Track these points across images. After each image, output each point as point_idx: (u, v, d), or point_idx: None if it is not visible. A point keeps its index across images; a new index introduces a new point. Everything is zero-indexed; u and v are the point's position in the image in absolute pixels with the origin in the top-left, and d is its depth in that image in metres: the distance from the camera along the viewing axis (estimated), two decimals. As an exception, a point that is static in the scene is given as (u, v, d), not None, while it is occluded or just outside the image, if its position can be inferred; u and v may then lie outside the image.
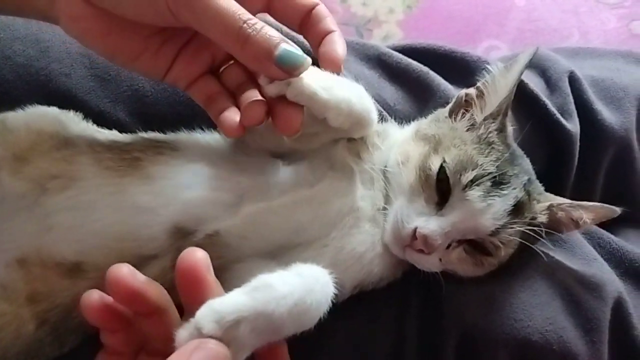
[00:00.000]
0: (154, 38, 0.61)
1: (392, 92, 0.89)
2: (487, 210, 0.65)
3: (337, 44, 0.64)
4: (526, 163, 0.74)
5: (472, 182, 0.65)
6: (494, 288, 0.73)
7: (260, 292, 0.49)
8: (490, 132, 0.71)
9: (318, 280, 0.55)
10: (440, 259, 0.68)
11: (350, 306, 0.66)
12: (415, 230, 0.66)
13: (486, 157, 0.68)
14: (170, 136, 0.71)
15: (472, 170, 0.66)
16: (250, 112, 0.60)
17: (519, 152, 0.74)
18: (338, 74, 0.64)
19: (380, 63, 0.92)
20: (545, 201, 0.73)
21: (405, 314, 0.73)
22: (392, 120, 0.83)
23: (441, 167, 0.68)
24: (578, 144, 0.90)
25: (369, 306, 0.72)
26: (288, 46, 0.56)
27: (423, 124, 0.77)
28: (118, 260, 0.52)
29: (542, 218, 0.72)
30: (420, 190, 0.68)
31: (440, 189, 0.67)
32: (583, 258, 0.80)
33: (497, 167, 0.67)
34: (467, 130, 0.72)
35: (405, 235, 0.67)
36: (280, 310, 0.48)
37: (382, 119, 0.82)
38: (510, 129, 0.75)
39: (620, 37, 1.56)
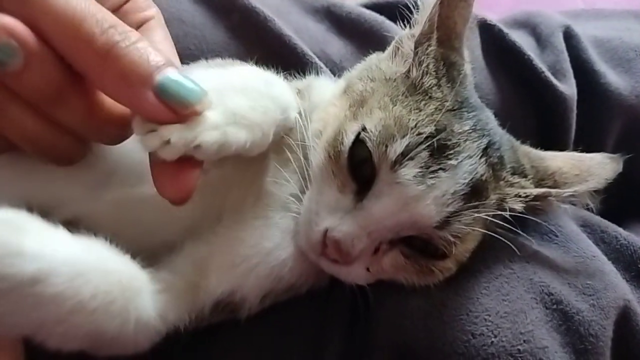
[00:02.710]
0: None
1: (339, 47, 0.75)
2: (428, 193, 0.48)
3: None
4: (487, 117, 0.56)
5: (404, 156, 0.48)
6: (445, 291, 0.53)
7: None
8: (425, 71, 0.52)
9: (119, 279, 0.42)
10: (368, 269, 0.51)
11: (257, 319, 0.52)
12: (325, 233, 0.49)
13: (420, 111, 0.50)
14: None
15: (402, 137, 0.48)
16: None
17: (475, 101, 0.55)
18: None
19: (329, 15, 0.78)
20: (522, 175, 0.55)
21: (326, 329, 0.54)
22: (331, 77, 0.66)
23: (357, 139, 0.50)
24: (575, 111, 0.71)
25: (280, 319, 0.55)
26: (176, 74, 0.40)
27: (355, 76, 0.59)
28: None
29: (515, 204, 0.53)
30: (331, 175, 0.51)
31: (359, 171, 0.50)
32: (579, 255, 0.60)
33: (435, 124, 0.49)
34: (402, 81, 0.54)
35: (314, 241, 0.50)
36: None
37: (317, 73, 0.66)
38: (464, 66, 0.55)
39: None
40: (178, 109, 0.40)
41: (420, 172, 0.47)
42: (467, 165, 0.49)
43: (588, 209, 0.61)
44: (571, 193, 0.54)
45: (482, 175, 0.50)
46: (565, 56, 0.73)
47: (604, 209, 0.71)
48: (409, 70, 0.53)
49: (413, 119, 0.49)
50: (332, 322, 0.55)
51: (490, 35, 0.72)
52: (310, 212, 0.51)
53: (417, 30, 0.54)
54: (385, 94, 0.52)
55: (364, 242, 0.49)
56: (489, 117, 0.56)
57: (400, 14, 0.67)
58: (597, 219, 0.68)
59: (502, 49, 0.72)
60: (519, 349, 0.50)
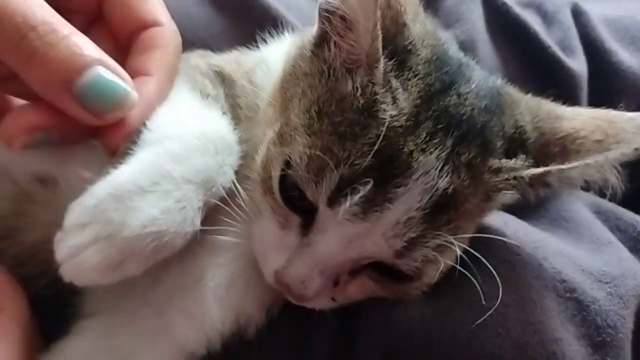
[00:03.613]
0: None
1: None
2: (374, 229, 0.42)
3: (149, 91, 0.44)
4: (461, 90, 0.45)
5: (339, 192, 0.41)
6: (442, 279, 0.47)
7: None
8: (365, 91, 0.42)
9: None
10: (334, 298, 0.46)
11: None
12: (275, 273, 0.45)
13: (357, 139, 0.41)
14: None
15: (332, 171, 0.41)
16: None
17: (448, 69, 0.46)
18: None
19: None
20: (519, 146, 0.46)
21: (313, 332, 0.49)
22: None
23: (284, 172, 0.44)
24: (585, 89, 0.66)
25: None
26: (104, 71, 0.38)
27: (290, 61, 0.50)
28: None
29: (505, 194, 0.45)
30: (270, 211, 0.46)
31: (299, 202, 0.44)
32: (592, 242, 0.55)
33: (376, 153, 0.40)
34: (337, 82, 0.44)
35: (268, 281, 0.46)
36: None
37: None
38: (415, 37, 0.45)
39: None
40: (100, 112, 0.39)
41: (360, 208, 0.41)
42: (422, 185, 0.41)
43: (604, 194, 0.55)
44: (579, 165, 0.44)
45: (446, 189, 0.42)
46: (573, 32, 0.69)
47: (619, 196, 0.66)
48: (346, 68, 0.44)
49: (346, 149, 0.41)
50: (318, 324, 0.49)
51: (494, 8, 0.68)
52: (258, 252, 0.47)
53: (349, 41, 0.44)
54: (312, 105, 0.44)
55: (316, 281, 0.44)
56: (467, 86, 0.46)
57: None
58: (612, 205, 0.63)
59: (506, 24, 0.67)
60: (528, 341, 0.45)
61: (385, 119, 0.41)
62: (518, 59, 0.66)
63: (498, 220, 0.52)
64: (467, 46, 0.63)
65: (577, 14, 0.72)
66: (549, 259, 0.50)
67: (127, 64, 0.44)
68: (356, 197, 0.40)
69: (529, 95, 0.52)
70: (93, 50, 0.38)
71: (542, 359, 0.44)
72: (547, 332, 0.45)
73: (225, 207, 0.45)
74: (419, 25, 0.46)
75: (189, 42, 0.56)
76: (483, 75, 0.49)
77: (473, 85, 0.46)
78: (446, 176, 0.42)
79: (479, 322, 0.44)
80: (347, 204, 0.40)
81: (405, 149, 0.41)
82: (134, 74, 0.43)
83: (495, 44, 0.67)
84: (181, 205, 0.40)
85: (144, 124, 0.42)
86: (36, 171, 0.47)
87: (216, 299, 0.48)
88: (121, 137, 0.41)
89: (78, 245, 0.38)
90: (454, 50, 0.50)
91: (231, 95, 0.51)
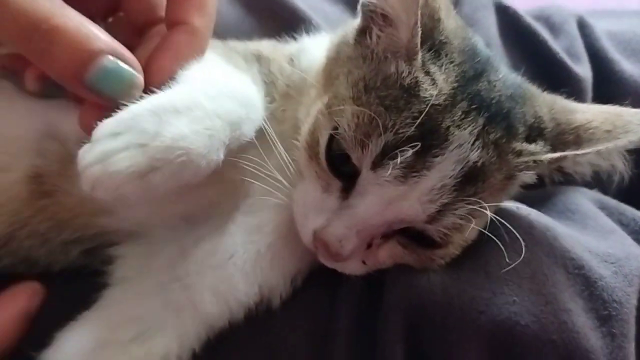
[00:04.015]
0: None
1: None
2: (411, 192, 0.46)
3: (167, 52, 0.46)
4: (491, 79, 0.51)
5: (383, 156, 0.45)
6: (461, 253, 0.51)
7: None
8: (407, 73, 0.48)
9: None
10: (364, 262, 0.50)
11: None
12: (314, 234, 0.48)
13: (401, 112, 0.46)
14: None
15: (379, 137, 0.45)
16: None
17: (478, 60, 0.51)
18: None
19: None
20: (538, 134, 0.52)
21: (336, 301, 0.52)
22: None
23: (332, 138, 0.48)
24: (590, 94, 0.70)
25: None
26: (109, 61, 0.40)
27: (334, 48, 0.56)
28: None
29: (526, 174, 0.51)
30: (314, 175, 0.50)
31: (342, 167, 0.48)
32: (597, 230, 0.58)
33: (418, 126, 0.45)
34: (380, 64, 0.50)
35: (305, 241, 0.50)
36: None
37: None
38: (452, 32, 0.51)
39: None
40: (112, 100, 0.41)
41: (401, 172, 0.45)
42: (456, 156, 0.46)
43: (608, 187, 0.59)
44: (592, 151, 0.50)
45: (476, 162, 0.47)
46: (579, 42, 0.73)
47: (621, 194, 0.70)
48: (391, 52, 0.49)
49: (391, 119, 0.45)
50: (344, 293, 0.53)
51: (506, 17, 0.73)
52: (299, 213, 0.50)
53: (390, 34, 0.50)
54: (359, 81, 0.49)
55: (352, 242, 0.47)
56: (496, 75, 0.51)
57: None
58: (614, 202, 0.67)
59: (517, 32, 0.72)
60: (541, 309, 0.48)
61: (427, 97, 0.46)
62: (528, 63, 0.70)
63: (512, 204, 0.57)
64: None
65: (582, 26, 0.77)
66: (558, 239, 0.53)
67: (166, 12, 0.47)
68: (398, 161, 0.44)
69: (545, 92, 0.57)
70: (98, 41, 0.40)
71: (554, 327, 0.47)
72: (559, 302, 0.48)
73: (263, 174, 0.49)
74: (451, 20, 0.52)
75: (220, 39, 0.60)
76: (507, 70, 0.55)
77: (501, 75, 0.51)
78: (477, 150, 0.47)
79: (496, 290, 0.48)
80: (390, 167, 0.44)
81: (443, 124, 0.46)
82: (170, 23, 0.46)
83: (507, 49, 0.71)
84: (210, 133, 0.42)
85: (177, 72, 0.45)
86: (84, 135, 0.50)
87: (243, 275, 0.51)
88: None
89: (108, 151, 0.38)
90: (481, 45, 0.55)
91: (265, 73, 0.56)
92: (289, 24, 0.69)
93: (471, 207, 0.47)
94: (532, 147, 0.50)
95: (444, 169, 0.46)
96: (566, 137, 0.52)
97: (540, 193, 0.68)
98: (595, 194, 0.68)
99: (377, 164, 0.45)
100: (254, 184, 0.51)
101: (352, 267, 0.50)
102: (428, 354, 0.48)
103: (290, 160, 0.50)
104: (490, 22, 0.71)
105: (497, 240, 0.49)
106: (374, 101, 0.47)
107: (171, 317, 0.50)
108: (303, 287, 0.53)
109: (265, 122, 0.50)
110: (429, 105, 0.46)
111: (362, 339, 0.50)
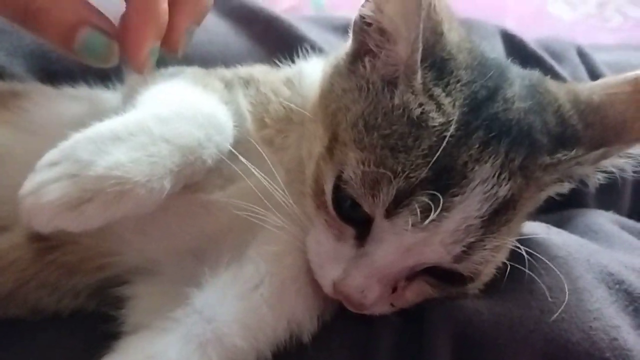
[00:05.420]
0: None
1: None
2: (432, 237, 0.42)
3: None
4: (506, 92, 0.45)
5: (396, 204, 0.41)
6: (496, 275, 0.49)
7: None
8: (410, 101, 0.43)
9: None
10: (393, 304, 0.47)
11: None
12: (334, 284, 0.45)
13: (410, 151, 0.41)
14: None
15: (389, 184, 0.41)
16: None
17: (497, 80, 0.46)
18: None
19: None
20: (563, 139, 0.46)
21: (373, 339, 0.49)
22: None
23: (337, 186, 0.44)
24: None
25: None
26: (89, 32, 0.41)
27: (327, 79, 0.50)
28: None
29: (557, 185, 0.48)
30: (324, 225, 0.46)
31: (354, 213, 0.44)
32: (624, 248, 0.58)
33: (431, 166, 0.40)
34: (378, 95, 0.45)
35: (327, 291, 0.46)
36: None
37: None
38: (455, 45, 0.46)
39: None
40: (99, 64, 0.42)
41: (419, 219, 0.41)
42: (480, 194, 0.42)
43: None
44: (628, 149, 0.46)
45: (504, 196, 0.42)
46: (582, 68, 0.76)
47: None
48: (387, 83, 0.45)
49: (400, 162, 0.41)
50: (380, 322, 0.49)
51: (512, 44, 0.75)
52: (314, 263, 0.47)
53: (388, 53, 0.45)
54: (358, 119, 0.44)
55: (375, 290, 0.44)
56: (511, 89, 0.46)
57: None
58: (632, 222, 0.67)
59: (524, 59, 0.73)
60: (590, 326, 0.46)
61: (435, 126, 0.41)
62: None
63: (542, 225, 0.56)
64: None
65: (582, 54, 0.79)
66: (593, 255, 0.52)
67: None
68: (414, 208, 0.40)
69: (563, 85, 0.52)
70: (78, 13, 0.41)
71: (605, 344, 0.46)
72: (607, 318, 0.47)
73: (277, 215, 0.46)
74: (454, 33, 0.47)
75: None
76: (520, 74, 0.49)
77: (516, 88, 0.46)
78: (505, 184, 0.42)
79: (544, 308, 0.46)
80: (406, 215, 0.41)
81: (459, 160, 0.41)
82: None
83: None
84: (152, 160, 0.40)
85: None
86: None
87: (270, 307, 0.47)
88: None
89: (42, 181, 0.37)
90: (489, 53, 0.50)
91: (252, 95, 0.53)
92: (299, 51, 0.69)
93: (502, 239, 0.44)
94: (560, 155, 0.45)
95: (468, 209, 0.41)
96: (598, 134, 0.46)
97: (557, 217, 0.67)
98: (613, 216, 0.68)
99: (391, 212, 0.41)
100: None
101: (381, 310, 0.46)
102: None
103: (289, 198, 0.47)
104: (498, 49, 0.73)
105: (534, 259, 0.48)
106: (378, 142, 0.42)
107: (196, 354, 0.46)
108: (336, 317, 0.50)
109: (260, 149, 0.47)
110: (439, 137, 0.41)
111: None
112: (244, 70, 0.57)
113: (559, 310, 0.46)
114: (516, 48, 0.75)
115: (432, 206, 0.40)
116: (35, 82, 0.65)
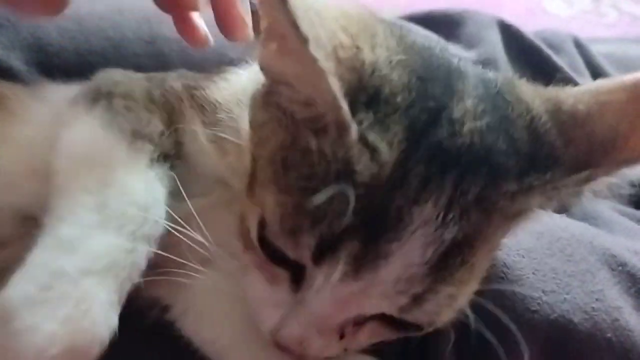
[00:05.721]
0: None
1: None
2: (369, 289, 0.36)
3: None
4: (454, 110, 0.36)
5: (322, 252, 0.35)
6: (506, 253, 0.48)
7: None
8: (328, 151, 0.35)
9: None
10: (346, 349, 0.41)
11: None
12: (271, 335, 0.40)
13: (331, 202, 0.34)
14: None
15: (311, 229, 0.35)
16: None
17: (440, 96, 0.37)
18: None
19: None
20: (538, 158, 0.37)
21: None
22: None
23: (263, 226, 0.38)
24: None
25: None
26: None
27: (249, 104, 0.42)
28: None
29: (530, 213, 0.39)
30: (255, 268, 0.40)
31: (284, 257, 0.37)
32: (625, 233, 0.58)
33: (361, 210, 0.34)
34: (298, 131, 0.37)
35: (266, 337, 0.40)
36: None
37: None
38: (380, 61, 0.36)
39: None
40: None
41: (350, 267, 0.34)
42: (422, 238, 0.34)
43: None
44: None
45: (454, 237, 0.35)
46: (579, 59, 0.76)
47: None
48: (300, 133, 0.37)
49: (321, 207, 0.34)
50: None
51: (510, 35, 0.75)
52: (252, 309, 0.41)
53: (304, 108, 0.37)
54: (276, 153, 0.38)
55: (316, 341, 0.38)
56: (462, 104, 0.36)
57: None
58: (631, 209, 0.67)
59: (521, 49, 0.74)
60: (592, 307, 0.46)
61: (364, 176, 0.34)
62: (534, 77, 0.71)
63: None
64: (489, 64, 0.69)
65: (579, 46, 0.80)
66: (596, 238, 0.53)
67: None
68: (341, 257, 0.34)
69: (543, 91, 0.40)
70: None
71: (607, 324, 0.46)
72: (609, 300, 0.47)
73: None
74: (380, 49, 0.37)
75: None
76: (481, 79, 0.40)
77: (469, 102, 0.37)
78: (451, 225, 0.35)
79: (546, 288, 0.46)
80: (333, 264, 0.35)
81: (393, 204, 0.34)
82: None
83: (513, 65, 0.73)
84: (85, 307, 0.34)
85: None
86: None
87: None
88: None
89: None
90: (436, 52, 0.40)
91: (213, 123, 0.45)
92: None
93: (459, 286, 0.37)
94: (530, 179, 0.36)
95: (409, 254, 0.35)
96: (583, 152, 0.37)
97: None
98: (611, 203, 0.68)
99: (318, 259, 0.35)
100: None
101: (330, 353, 0.40)
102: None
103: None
104: (495, 39, 0.73)
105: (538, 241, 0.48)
106: (296, 183, 0.36)
107: None
108: None
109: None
110: (370, 186, 0.34)
111: None
112: (196, 85, 0.48)
113: (562, 292, 0.46)
114: (513, 39, 0.76)
115: (364, 253, 0.34)
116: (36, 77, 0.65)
